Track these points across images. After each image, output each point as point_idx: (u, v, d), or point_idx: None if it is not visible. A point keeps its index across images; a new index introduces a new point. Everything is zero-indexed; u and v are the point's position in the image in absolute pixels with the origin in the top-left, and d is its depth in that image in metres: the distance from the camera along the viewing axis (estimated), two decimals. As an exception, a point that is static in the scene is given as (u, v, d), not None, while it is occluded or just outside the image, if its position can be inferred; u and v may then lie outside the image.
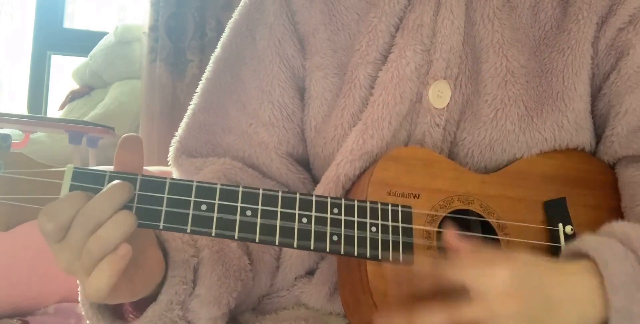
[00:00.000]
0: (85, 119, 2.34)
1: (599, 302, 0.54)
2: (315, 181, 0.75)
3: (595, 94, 0.72)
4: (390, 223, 0.60)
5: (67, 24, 2.87)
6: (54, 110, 2.74)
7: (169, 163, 0.78)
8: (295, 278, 0.72)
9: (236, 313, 0.73)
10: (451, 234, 0.56)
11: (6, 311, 1.24)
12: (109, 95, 2.53)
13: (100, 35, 2.66)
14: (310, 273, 0.73)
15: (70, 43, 2.78)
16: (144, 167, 0.58)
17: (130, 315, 0.62)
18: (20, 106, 2.89)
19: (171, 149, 0.78)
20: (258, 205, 0.57)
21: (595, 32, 0.71)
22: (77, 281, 0.56)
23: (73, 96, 2.65)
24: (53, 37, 2.77)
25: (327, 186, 0.69)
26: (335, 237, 0.58)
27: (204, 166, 0.74)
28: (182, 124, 0.78)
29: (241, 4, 0.80)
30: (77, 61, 2.75)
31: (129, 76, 2.57)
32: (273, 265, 0.72)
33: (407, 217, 0.61)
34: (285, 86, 0.75)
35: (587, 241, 0.57)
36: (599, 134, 0.72)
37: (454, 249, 0.56)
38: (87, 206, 0.51)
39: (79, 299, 0.61)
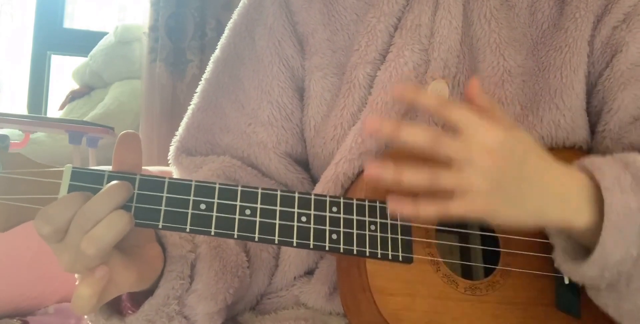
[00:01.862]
0: (85, 119, 2.34)
1: (580, 195, 0.57)
2: (315, 181, 0.75)
3: (590, 92, 0.72)
4: (389, 221, 0.60)
5: (67, 24, 2.87)
6: (54, 110, 2.74)
7: (169, 162, 0.78)
8: (295, 278, 0.72)
9: (235, 312, 0.73)
10: (476, 84, 0.57)
11: (6, 311, 1.24)
12: (109, 95, 2.53)
13: (100, 35, 2.66)
14: (310, 272, 0.73)
15: (70, 43, 2.78)
16: (144, 167, 0.58)
17: (129, 311, 0.62)
18: (20, 106, 2.89)
19: (171, 148, 0.78)
20: (257, 204, 0.57)
21: (591, 31, 0.71)
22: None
23: (73, 96, 2.66)
24: (53, 37, 2.77)
25: (326, 185, 0.69)
26: (334, 236, 0.58)
27: (204, 164, 0.74)
28: (182, 124, 0.79)
29: (240, 4, 0.80)
30: (77, 61, 2.75)
31: (129, 76, 2.57)
32: (271, 263, 0.72)
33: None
34: (285, 86, 0.75)
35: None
36: (592, 131, 0.72)
37: (471, 97, 0.57)
38: (84, 206, 0.51)
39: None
